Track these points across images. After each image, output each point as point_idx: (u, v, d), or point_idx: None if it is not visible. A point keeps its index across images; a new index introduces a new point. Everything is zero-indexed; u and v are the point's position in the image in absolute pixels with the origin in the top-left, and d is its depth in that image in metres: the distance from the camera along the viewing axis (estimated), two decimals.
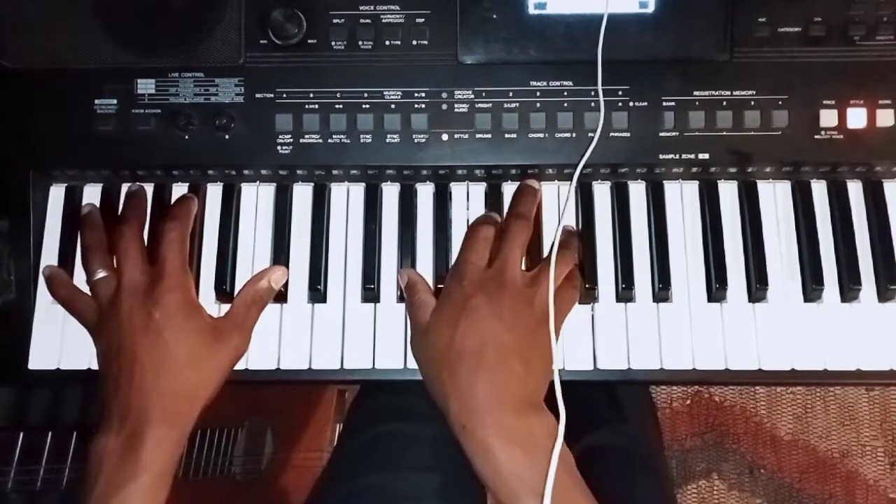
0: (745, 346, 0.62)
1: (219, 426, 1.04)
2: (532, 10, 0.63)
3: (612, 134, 0.63)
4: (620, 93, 0.63)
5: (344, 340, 0.63)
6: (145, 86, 0.64)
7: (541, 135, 0.63)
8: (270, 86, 0.64)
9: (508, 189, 0.65)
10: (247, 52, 0.64)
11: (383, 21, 0.64)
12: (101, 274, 0.60)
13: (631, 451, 0.76)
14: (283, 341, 0.63)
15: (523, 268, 0.61)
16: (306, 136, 0.63)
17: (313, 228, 0.65)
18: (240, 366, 0.62)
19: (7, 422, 0.84)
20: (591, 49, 0.62)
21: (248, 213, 0.66)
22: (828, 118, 0.63)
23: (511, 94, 0.63)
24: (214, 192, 0.66)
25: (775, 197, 0.66)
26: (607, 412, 0.79)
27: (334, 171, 0.65)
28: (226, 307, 0.62)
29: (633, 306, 0.63)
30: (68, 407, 0.88)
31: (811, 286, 0.63)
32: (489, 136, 0.63)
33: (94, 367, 0.61)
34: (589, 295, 0.63)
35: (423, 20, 0.64)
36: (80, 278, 0.63)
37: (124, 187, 0.66)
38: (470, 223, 0.63)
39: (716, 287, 0.63)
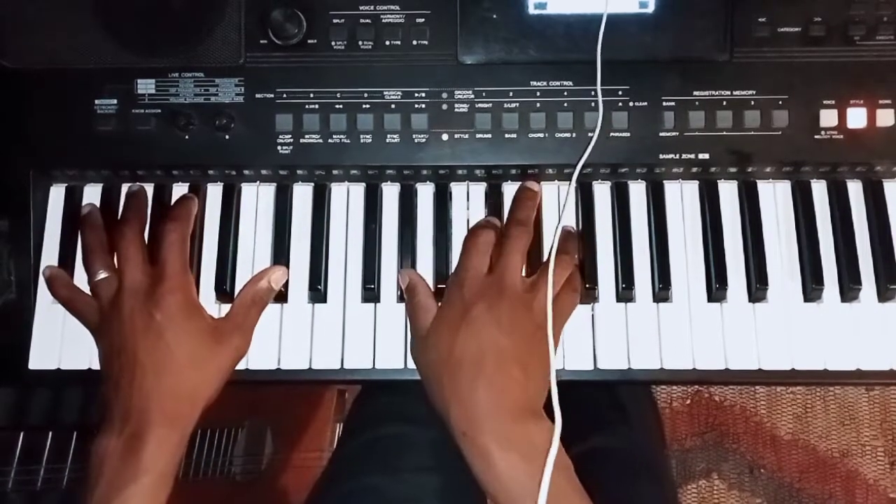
0: (745, 345, 0.62)
1: (219, 426, 1.04)
2: (532, 10, 0.63)
3: (612, 134, 0.63)
4: (620, 93, 0.63)
5: (344, 340, 0.63)
6: (145, 86, 0.64)
7: (541, 135, 0.63)
8: (270, 86, 0.64)
9: (508, 189, 0.65)
10: (247, 52, 0.64)
11: (383, 21, 0.64)
12: (102, 275, 0.60)
13: (634, 454, 0.76)
14: (284, 341, 0.63)
15: (524, 273, 0.61)
16: (306, 136, 0.63)
17: (313, 228, 0.65)
18: (240, 366, 0.62)
19: (7, 422, 0.84)
20: (592, 49, 0.62)
21: (249, 213, 0.66)
22: (828, 118, 0.63)
23: (511, 94, 0.63)
24: (214, 193, 0.66)
25: (775, 197, 0.66)
26: (611, 415, 0.79)
27: (334, 171, 0.65)
28: (226, 307, 0.62)
29: (634, 306, 0.63)
30: (68, 407, 0.88)
31: (811, 286, 0.63)
32: (489, 136, 0.63)
33: (95, 367, 0.62)
34: (589, 295, 0.63)
35: (423, 20, 0.64)
36: (79, 278, 0.63)
37: (124, 187, 0.66)
38: (470, 227, 0.63)
39: (716, 287, 0.63)
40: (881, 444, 1.35)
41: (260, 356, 0.63)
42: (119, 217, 0.64)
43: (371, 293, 0.64)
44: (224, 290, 0.63)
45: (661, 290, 0.63)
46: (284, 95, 0.64)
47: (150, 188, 0.66)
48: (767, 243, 0.64)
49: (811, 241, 0.64)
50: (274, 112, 0.63)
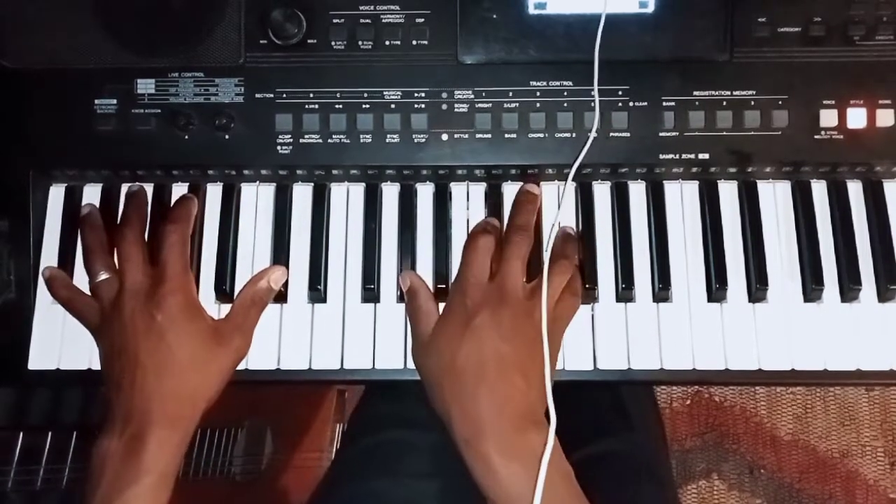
0: (745, 346, 0.62)
1: (219, 426, 1.04)
2: (532, 10, 0.63)
3: (611, 134, 0.63)
4: (620, 93, 0.63)
5: (344, 340, 0.63)
6: (145, 86, 0.64)
7: (541, 135, 0.63)
8: (270, 86, 0.64)
9: (508, 189, 0.65)
10: (247, 52, 0.64)
11: (383, 21, 0.64)
12: (103, 275, 0.60)
13: (637, 459, 0.75)
14: (283, 341, 0.63)
15: (524, 278, 0.60)
16: (306, 136, 0.63)
17: (313, 228, 0.65)
18: (240, 366, 0.62)
19: (7, 422, 0.84)
20: (591, 49, 0.62)
21: (248, 213, 0.66)
22: (828, 118, 0.63)
23: (511, 94, 0.63)
24: (214, 192, 0.66)
25: (775, 197, 0.66)
26: (613, 418, 0.79)
27: (334, 171, 0.65)
28: (226, 307, 0.62)
29: (633, 306, 0.63)
30: (68, 407, 0.88)
31: (811, 286, 0.63)
32: (489, 136, 0.63)
33: (94, 367, 0.62)
34: (589, 295, 0.63)
35: (423, 20, 0.64)
36: (79, 278, 0.63)
37: (124, 187, 0.66)
38: (470, 231, 0.63)
39: (716, 287, 0.63)
40: (881, 444, 1.35)
41: (260, 356, 0.63)
42: (119, 217, 0.64)
43: (371, 293, 0.64)
44: (224, 291, 0.63)
45: (661, 290, 0.63)
46: (284, 95, 0.64)
47: (149, 188, 0.66)
48: (767, 243, 0.64)
49: (811, 241, 0.64)
50: (274, 112, 0.63)
